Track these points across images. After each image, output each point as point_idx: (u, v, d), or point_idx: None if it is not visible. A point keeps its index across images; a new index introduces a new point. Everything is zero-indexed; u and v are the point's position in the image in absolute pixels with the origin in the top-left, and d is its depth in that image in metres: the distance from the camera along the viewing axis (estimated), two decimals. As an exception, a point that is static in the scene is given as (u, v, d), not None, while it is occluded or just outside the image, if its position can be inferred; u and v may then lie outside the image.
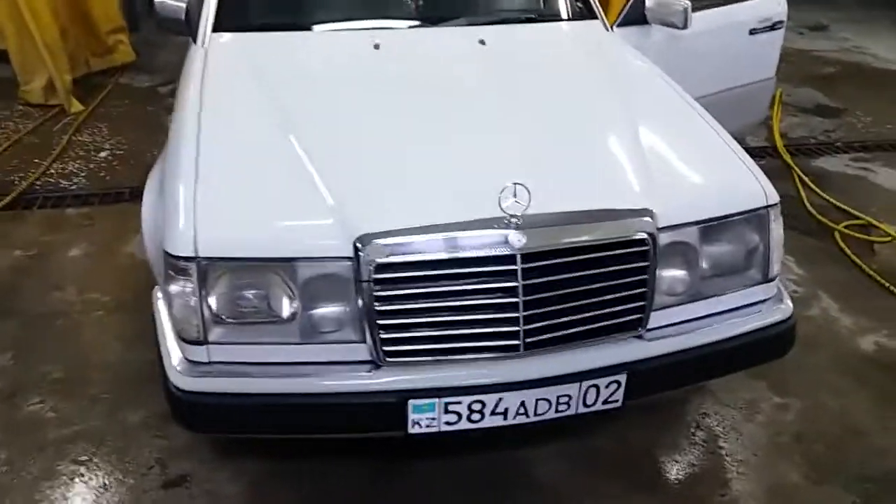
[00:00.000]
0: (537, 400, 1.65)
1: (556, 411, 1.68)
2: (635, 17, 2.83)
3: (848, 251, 3.13)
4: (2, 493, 1.93)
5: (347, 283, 1.57)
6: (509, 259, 1.56)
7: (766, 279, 1.83)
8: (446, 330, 1.60)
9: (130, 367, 2.34)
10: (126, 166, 3.85)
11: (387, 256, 1.54)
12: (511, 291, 1.58)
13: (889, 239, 3.24)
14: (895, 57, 6.13)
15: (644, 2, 2.79)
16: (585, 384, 1.67)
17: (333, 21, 2.52)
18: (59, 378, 2.33)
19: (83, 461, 2.03)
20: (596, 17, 2.69)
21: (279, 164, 1.76)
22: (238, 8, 2.49)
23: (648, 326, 1.72)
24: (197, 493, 1.95)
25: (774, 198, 1.81)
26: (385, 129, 1.90)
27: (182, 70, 2.33)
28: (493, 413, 1.65)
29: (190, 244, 1.55)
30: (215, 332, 1.60)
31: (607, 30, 2.67)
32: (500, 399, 1.63)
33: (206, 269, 1.56)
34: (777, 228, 1.81)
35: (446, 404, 1.62)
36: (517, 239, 1.55)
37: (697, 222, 1.72)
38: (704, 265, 1.77)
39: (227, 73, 2.20)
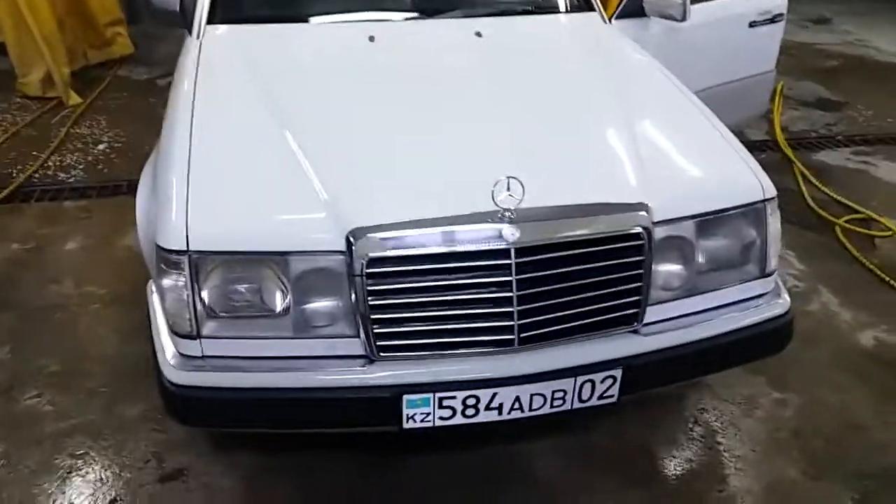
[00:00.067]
0: (532, 395, 1.65)
1: (552, 406, 1.67)
2: (633, 9, 2.82)
3: (849, 245, 3.12)
4: (-2, 486, 1.93)
5: (340, 277, 1.56)
6: (503, 253, 1.55)
7: (764, 274, 1.82)
8: (440, 324, 1.59)
9: (128, 361, 2.33)
10: (124, 159, 3.84)
11: (379, 250, 1.53)
12: (505, 286, 1.57)
13: (890, 233, 3.22)
14: (898, 50, 6.10)
15: (642, -6, 2.78)
16: (581, 379, 1.66)
17: (329, 13, 2.50)
18: (56, 371, 2.33)
19: (80, 455, 2.03)
20: (594, 10, 2.66)
21: (272, 157, 1.74)
22: (233, 0, 2.47)
23: (644, 321, 1.71)
24: (194, 486, 1.95)
25: (771, 191, 1.79)
26: (379, 122, 1.89)
27: (177, 62, 2.32)
28: (487, 408, 1.64)
29: (182, 238, 1.55)
30: (208, 327, 1.59)
31: (605, 22, 2.65)
32: (495, 394, 1.63)
33: (198, 263, 1.55)
34: (774, 222, 1.80)
35: (440, 399, 1.61)
36: (511, 233, 1.54)
37: (693, 216, 1.71)
38: (701, 260, 1.76)
39: (221, 65, 2.18)
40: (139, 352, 2.22)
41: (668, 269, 1.73)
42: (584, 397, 1.69)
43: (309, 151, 1.74)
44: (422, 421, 1.64)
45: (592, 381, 1.67)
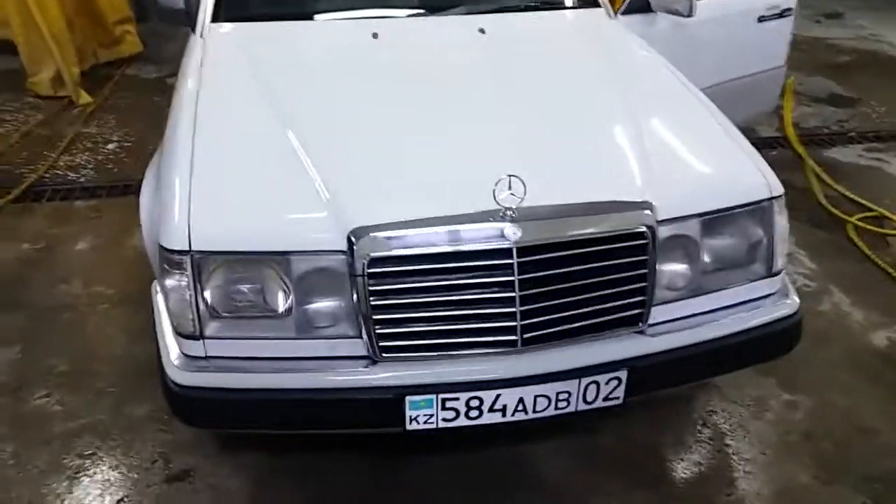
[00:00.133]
0: (536, 396, 1.63)
1: (556, 408, 1.66)
2: (639, 4, 2.79)
3: (861, 244, 3.08)
4: (8, 486, 1.94)
5: (342, 277, 1.56)
6: (505, 253, 1.54)
7: (771, 273, 1.80)
8: (442, 325, 1.59)
9: (136, 361, 2.34)
10: (134, 158, 3.86)
11: (380, 250, 1.52)
12: (507, 286, 1.56)
13: (903, 231, 3.18)
14: (912, 45, 6.01)
15: (648, -11, 2.75)
16: (585, 381, 1.65)
17: (332, 10, 2.50)
18: (65, 371, 2.34)
19: (88, 455, 2.04)
20: (599, 5, 2.64)
21: (275, 156, 1.74)
22: (236, -2, 2.47)
23: (649, 322, 1.70)
24: (200, 487, 1.95)
25: (778, 189, 1.77)
26: (381, 121, 1.88)
27: (181, 61, 2.32)
28: (491, 410, 1.63)
29: (184, 238, 1.55)
30: (211, 327, 1.59)
31: (611, 18, 2.62)
32: (499, 395, 1.62)
33: (201, 263, 1.55)
34: (781, 221, 1.78)
35: (443, 400, 1.60)
36: (512, 232, 1.53)
37: (698, 215, 1.69)
38: (706, 259, 1.74)
39: (224, 64, 2.19)
40: (147, 352, 2.21)
41: (672, 269, 1.71)
42: (589, 399, 1.67)
43: (311, 150, 1.73)
44: (425, 422, 1.63)
45: (597, 383, 1.66)
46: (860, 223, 3.22)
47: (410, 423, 1.62)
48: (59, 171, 3.73)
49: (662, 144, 1.88)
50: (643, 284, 1.65)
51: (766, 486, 1.97)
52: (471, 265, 1.56)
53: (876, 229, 3.20)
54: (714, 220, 1.72)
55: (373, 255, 1.52)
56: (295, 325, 1.60)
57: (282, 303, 1.59)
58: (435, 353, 1.61)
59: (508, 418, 1.65)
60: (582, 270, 1.61)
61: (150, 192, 1.92)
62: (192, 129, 1.83)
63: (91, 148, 4.01)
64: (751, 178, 1.79)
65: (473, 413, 1.63)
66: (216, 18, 2.40)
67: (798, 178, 3.66)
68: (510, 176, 1.54)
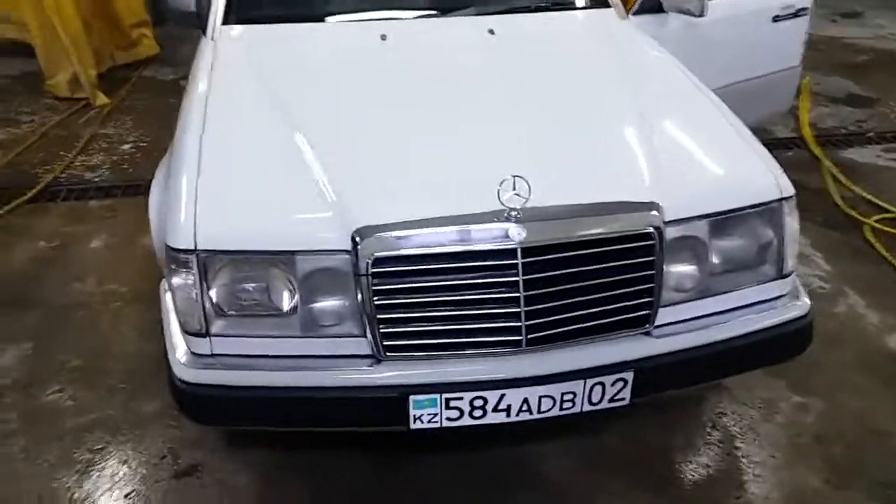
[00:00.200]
0: (541, 397, 1.63)
1: (561, 409, 1.65)
2: (651, 5, 2.77)
3: (878, 246, 3.03)
4: (18, 480, 1.97)
5: (347, 276, 1.56)
6: (509, 253, 1.54)
7: (781, 275, 1.78)
8: (447, 325, 1.58)
9: (147, 358, 2.37)
10: (148, 159, 3.89)
11: (384, 250, 1.52)
12: (512, 286, 1.56)
13: (921, 233, 3.12)
14: (933, 44, 5.91)
15: (659, -11, 2.74)
16: (590, 382, 1.64)
17: (341, 12, 2.51)
18: (77, 367, 2.37)
19: (98, 449, 2.07)
20: (609, 6, 2.63)
21: (282, 157, 1.75)
22: (247, 0, 2.48)
23: (656, 323, 1.68)
24: (208, 482, 1.97)
25: (789, 190, 1.75)
26: (387, 122, 1.88)
27: (192, 63, 2.34)
28: (495, 410, 1.63)
29: (190, 237, 1.56)
30: (217, 325, 1.61)
31: (622, 18, 2.61)
32: (503, 395, 1.61)
33: (207, 262, 1.56)
34: (792, 222, 1.75)
35: (447, 400, 1.60)
36: (517, 233, 1.52)
37: (707, 216, 1.67)
38: (715, 260, 1.72)
39: (234, 66, 2.20)
40: (157, 349, 2.21)
41: (680, 270, 1.70)
42: (595, 400, 1.66)
43: (318, 151, 1.74)
44: (429, 421, 1.63)
45: (603, 384, 1.65)
46: (877, 225, 3.18)
47: (414, 422, 1.62)
48: (75, 172, 3.79)
49: (672, 144, 1.87)
50: (650, 286, 1.63)
51: (776, 489, 1.94)
52: (475, 265, 1.55)
53: (893, 231, 3.15)
54: (723, 221, 1.70)
55: (377, 254, 1.52)
56: (300, 323, 1.61)
57: (287, 302, 1.60)
58: (439, 353, 1.61)
59: (513, 418, 1.64)
60: (588, 271, 1.60)
61: (159, 191, 1.94)
62: (201, 129, 1.85)
63: (107, 148, 4.06)
64: (761, 178, 1.77)
65: (477, 413, 1.62)
66: (226, 21, 2.42)
67: (814, 179, 3.61)
68: (515, 176, 1.53)
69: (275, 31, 2.42)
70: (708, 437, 2.11)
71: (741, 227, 1.73)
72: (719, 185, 1.76)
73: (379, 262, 1.53)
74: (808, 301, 1.82)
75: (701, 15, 2.70)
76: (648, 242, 1.60)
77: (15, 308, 2.67)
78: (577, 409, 1.66)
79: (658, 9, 2.81)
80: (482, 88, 2.05)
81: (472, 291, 1.57)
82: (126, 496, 1.92)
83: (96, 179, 3.71)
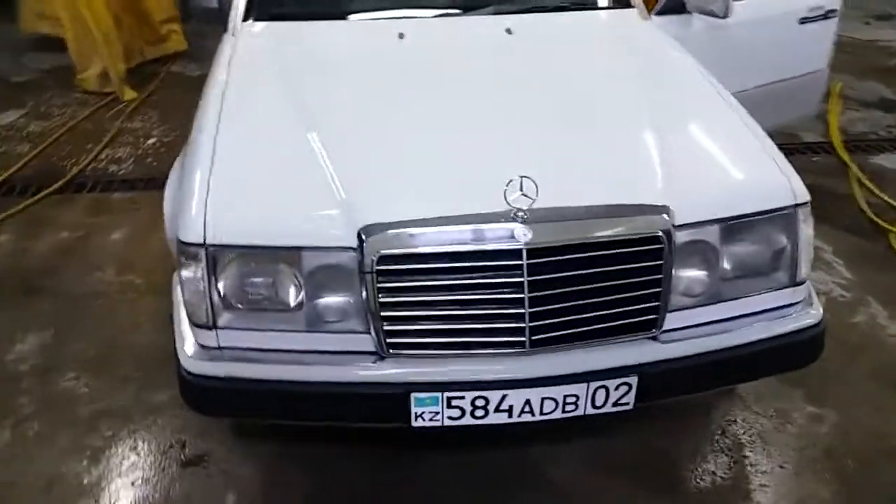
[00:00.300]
0: (543, 399, 1.62)
1: (564, 411, 1.64)
2: (674, 5, 2.73)
3: (902, 255, 2.96)
4: (30, 464, 2.02)
5: (352, 273, 1.57)
6: (515, 254, 1.53)
7: (794, 282, 1.74)
8: (450, 324, 1.58)
9: (159, 349, 2.39)
10: (172, 153, 3.90)
11: (390, 248, 1.53)
12: (516, 287, 1.55)
13: (949, 243, 3.03)
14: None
15: (683, -11, 2.70)
16: (594, 385, 1.62)
17: (361, 11, 2.52)
18: (93, 356, 2.42)
19: (109, 437, 2.11)
20: (632, 6, 2.60)
21: (294, 154, 1.76)
22: (267, -3, 2.52)
23: (664, 328, 1.66)
24: (214, 472, 2.00)
25: (804, 196, 1.71)
26: (401, 121, 1.88)
27: (214, 58, 2.38)
28: (497, 410, 1.62)
29: (200, 231, 1.58)
30: (224, 318, 1.62)
31: (644, 19, 2.58)
32: (505, 396, 1.61)
33: (216, 256, 1.58)
34: (806, 229, 1.71)
35: (449, 399, 1.60)
36: (522, 233, 1.52)
37: (718, 220, 1.64)
38: (726, 266, 1.69)
39: (251, 62, 2.23)
40: (170, 341, 2.26)
41: (690, 275, 1.67)
42: (598, 403, 1.65)
43: (330, 149, 1.75)
44: (431, 420, 1.63)
45: (606, 388, 1.63)
46: (905, 234, 3.10)
47: (416, 419, 1.63)
48: (100, 165, 3.86)
49: (685, 148, 1.84)
50: (657, 290, 1.61)
51: (783, 499, 1.91)
52: (480, 265, 1.55)
53: (920, 240, 3.07)
54: (735, 226, 1.67)
55: (382, 252, 1.53)
56: (305, 318, 1.62)
57: (293, 297, 1.61)
58: (442, 352, 1.61)
59: (515, 419, 1.64)
60: (594, 274, 1.58)
61: (175, 185, 1.97)
62: (216, 125, 1.87)
63: (132, 142, 4.14)
64: (775, 183, 1.73)
65: (479, 413, 1.62)
66: (247, 17, 2.45)
67: (841, 185, 3.54)
68: (522, 177, 1.53)
69: (294, 28, 2.44)
70: (716, 444, 2.08)
71: (754, 232, 1.69)
72: (732, 190, 1.72)
73: (384, 259, 1.53)
74: (820, 310, 1.78)
75: (725, 16, 2.65)
76: (657, 246, 1.58)
77: (39, 296, 2.73)
78: (579, 412, 1.65)
79: (681, 9, 2.77)
80: (496, 88, 2.05)
81: (477, 291, 1.56)
82: (133, 483, 1.96)
83: (121, 172, 3.78)
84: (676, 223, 1.60)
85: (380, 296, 1.55)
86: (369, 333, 1.60)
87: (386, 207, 1.58)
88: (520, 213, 1.52)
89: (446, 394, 1.60)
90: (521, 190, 1.53)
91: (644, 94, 2.01)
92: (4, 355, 2.42)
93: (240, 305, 1.62)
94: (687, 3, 2.72)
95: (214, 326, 1.63)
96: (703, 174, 1.75)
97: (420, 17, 2.50)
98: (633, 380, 1.63)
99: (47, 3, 4.82)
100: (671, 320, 1.67)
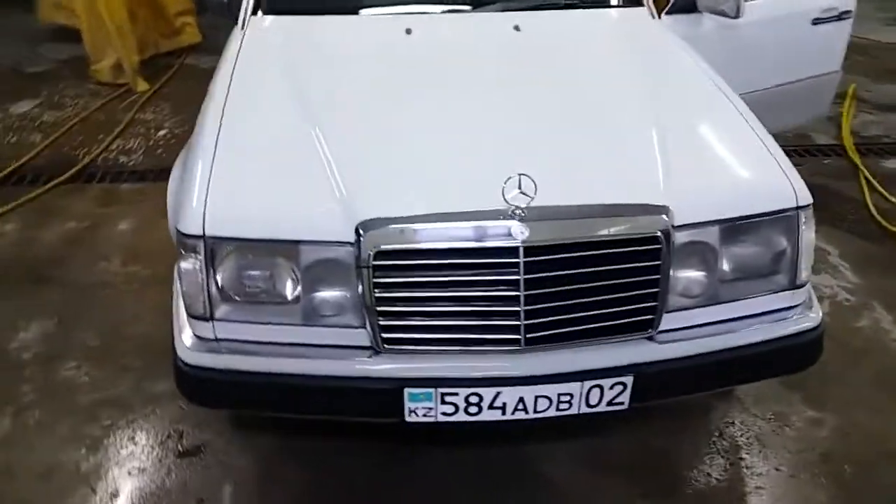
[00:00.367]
0: (537, 397, 1.62)
1: (558, 410, 1.64)
2: (685, 4, 2.70)
3: (911, 260, 2.93)
4: (29, 451, 2.04)
5: (349, 268, 1.57)
6: (511, 251, 1.53)
7: (794, 285, 1.72)
8: (446, 320, 1.59)
9: (161, 340, 2.38)
10: (181, 145, 3.90)
11: (386, 243, 1.53)
12: (512, 284, 1.55)
13: (960, 249, 2.99)
14: None
15: (694, -12, 2.68)
16: (588, 384, 1.62)
17: (369, 5, 2.51)
18: (95, 346, 2.45)
19: (108, 426, 2.13)
20: (642, 4, 2.58)
21: (296, 148, 1.76)
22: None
23: (661, 328, 1.65)
24: (211, 463, 2.02)
25: (806, 199, 1.69)
26: (404, 118, 1.89)
27: (223, 52, 2.39)
28: (490, 407, 1.62)
29: (199, 222, 1.59)
30: (221, 309, 1.63)
31: (653, 18, 2.56)
32: (498, 393, 1.61)
33: (214, 248, 1.59)
34: (808, 232, 1.70)
35: (443, 395, 1.61)
36: (519, 231, 1.51)
37: (718, 221, 1.63)
38: (725, 267, 1.68)
39: (258, 56, 2.23)
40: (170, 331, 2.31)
41: (688, 276, 1.67)
42: (592, 402, 1.65)
43: (331, 144, 1.75)
44: (424, 415, 1.63)
45: (601, 387, 1.63)
46: (915, 239, 3.06)
47: (409, 415, 1.63)
48: (111, 155, 3.90)
49: (687, 148, 1.82)
50: (655, 290, 1.61)
51: (778, 502, 1.90)
52: (477, 262, 1.55)
53: (930, 245, 3.03)
54: (735, 228, 1.66)
55: (379, 247, 1.53)
56: (302, 312, 1.63)
57: (290, 290, 1.62)
58: (437, 348, 1.61)
59: (508, 416, 1.64)
60: (591, 273, 1.57)
61: (178, 177, 1.98)
62: (220, 118, 1.88)
63: (143, 133, 4.17)
64: (778, 185, 1.71)
65: (473, 409, 1.62)
66: (256, 11, 2.46)
67: (851, 188, 3.50)
68: (521, 175, 1.53)
69: (301, 22, 2.44)
70: (713, 446, 2.07)
71: (754, 234, 1.68)
72: (733, 191, 1.71)
73: (381, 255, 1.53)
74: (820, 313, 1.77)
75: (736, 16, 2.62)
76: (655, 246, 1.57)
77: (45, 285, 2.76)
78: (573, 411, 1.65)
79: (692, 9, 2.74)
80: (501, 85, 2.04)
81: (473, 288, 1.56)
82: (130, 472, 1.98)
83: (130, 163, 3.81)
84: (676, 223, 1.60)
85: (376, 291, 1.56)
86: (365, 328, 1.61)
87: (384, 203, 1.58)
88: (517, 211, 1.52)
89: (440, 390, 1.60)
90: (520, 188, 1.53)
91: (649, 94, 2.00)
92: (8, 343, 2.45)
93: (237, 298, 1.63)
94: (698, 2, 2.70)
95: (212, 318, 1.64)
96: (705, 175, 1.74)
97: (428, 13, 2.49)
98: (629, 379, 1.63)
99: (64, -6, 4.87)
100: (669, 321, 1.66)
